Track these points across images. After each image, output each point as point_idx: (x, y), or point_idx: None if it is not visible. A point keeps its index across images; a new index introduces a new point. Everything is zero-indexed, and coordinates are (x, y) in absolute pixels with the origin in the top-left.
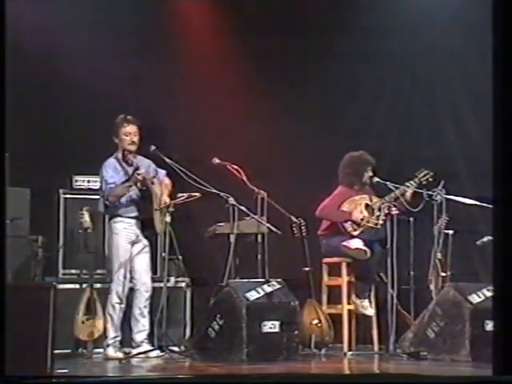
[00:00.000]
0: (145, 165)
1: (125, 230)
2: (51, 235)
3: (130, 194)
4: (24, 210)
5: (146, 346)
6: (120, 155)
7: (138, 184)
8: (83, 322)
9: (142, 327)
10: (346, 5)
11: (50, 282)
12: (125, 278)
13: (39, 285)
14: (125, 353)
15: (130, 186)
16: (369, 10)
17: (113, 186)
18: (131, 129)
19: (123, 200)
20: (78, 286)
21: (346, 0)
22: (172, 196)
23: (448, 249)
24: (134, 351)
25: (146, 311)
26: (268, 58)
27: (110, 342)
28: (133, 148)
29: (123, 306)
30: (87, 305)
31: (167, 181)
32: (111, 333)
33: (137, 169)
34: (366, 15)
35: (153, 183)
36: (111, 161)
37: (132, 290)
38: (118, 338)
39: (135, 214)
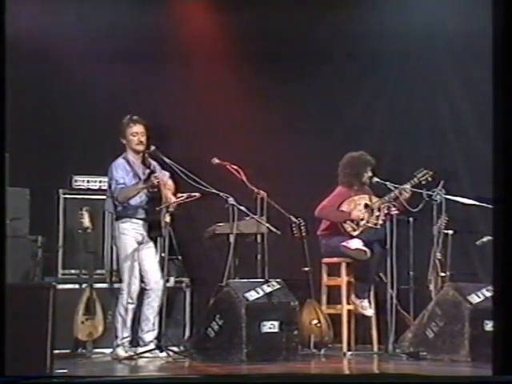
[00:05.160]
0: (152, 166)
1: (133, 231)
2: (51, 235)
3: (140, 196)
4: (24, 210)
5: (153, 346)
6: (130, 156)
7: (152, 187)
8: (83, 322)
9: (151, 327)
10: (345, 5)
11: (50, 282)
12: (135, 277)
13: (39, 285)
14: (134, 353)
15: (143, 188)
16: (369, 11)
17: (123, 186)
18: (138, 128)
19: (132, 202)
20: (77, 286)
21: (346, 0)
22: (176, 197)
23: (447, 249)
24: (139, 350)
25: (157, 310)
26: (268, 59)
27: (119, 342)
28: (141, 148)
29: (134, 305)
30: (87, 305)
31: (170, 182)
32: (122, 333)
33: (152, 172)
34: (366, 16)
35: (163, 185)
36: (120, 161)
37: (143, 290)
38: (128, 339)
39: (143, 215)
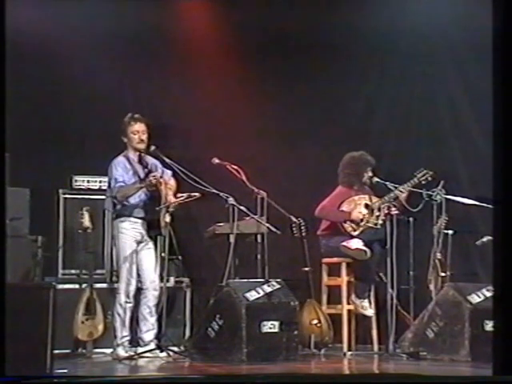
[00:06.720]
0: (152, 164)
1: (132, 230)
2: (51, 235)
3: (139, 195)
4: (24, 210)
5: (153, 346)
6: (131, 154)
7: (150, 186)
8: (83, 322)
9: (150, 326)
10: (346, 4)
11: (50, 282)
12: (132, 276)
13: (39, 285)
14: (134, 353)
15: (141, 187)
16: (369, 10)
17: (122, 184)
18: (139, 127)
19: (132, 200)
20: (77, 286)
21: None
22: (176, 197)
23: (448, 249)
24: (139, 350)
25: (154, 310)
26: (269, 58)
27: (119, 341)
28: (142, 146)
29: (132, 305)
30: (87, 305)
31: (172, 181)
32: (121, 332)
33: (150, 171)
34: (366, 16)
35: (160, 184)
36: (120, 159)
37: (139, 290)
38: (127, 338)
39: (142, 214)
